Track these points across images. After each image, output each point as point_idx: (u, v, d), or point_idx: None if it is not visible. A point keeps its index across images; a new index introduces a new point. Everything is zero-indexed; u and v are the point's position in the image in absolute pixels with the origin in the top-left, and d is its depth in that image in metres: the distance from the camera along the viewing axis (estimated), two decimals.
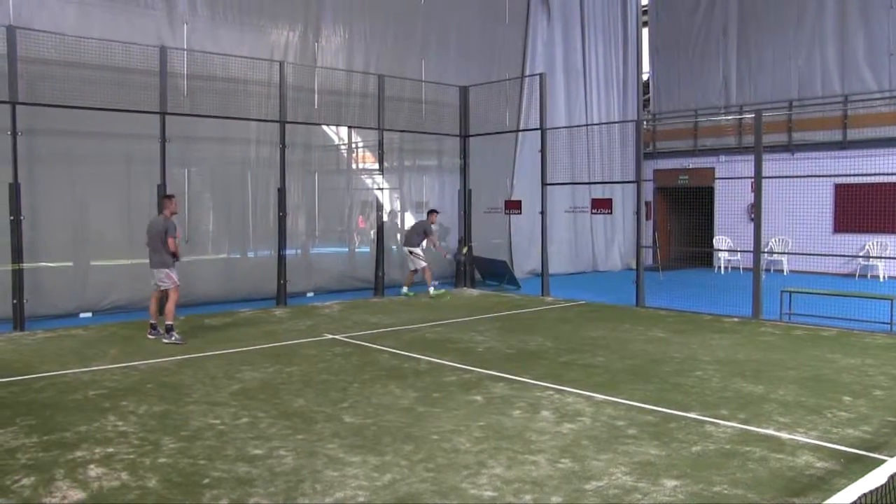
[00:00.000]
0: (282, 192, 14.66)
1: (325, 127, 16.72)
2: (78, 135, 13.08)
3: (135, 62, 13.20)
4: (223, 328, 12.11)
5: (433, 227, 16.43)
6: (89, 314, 13.15)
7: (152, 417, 6.98)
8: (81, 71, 12.70)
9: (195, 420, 6.90)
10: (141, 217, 13.41)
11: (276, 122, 14.68)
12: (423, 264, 16.10)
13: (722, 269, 22.13)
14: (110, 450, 6.07)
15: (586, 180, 19.54)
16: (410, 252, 16.21)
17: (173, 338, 10.69)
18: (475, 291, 17.28)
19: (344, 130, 17.11)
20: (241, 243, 15.53)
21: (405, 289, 16.29)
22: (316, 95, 16.24)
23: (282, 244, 14.69)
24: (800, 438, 6.42)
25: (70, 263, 13.30)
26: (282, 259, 14.69)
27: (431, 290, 16.09)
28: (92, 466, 5.70)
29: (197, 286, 14.41)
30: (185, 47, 14.19)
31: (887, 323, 11.90)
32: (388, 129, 16.78)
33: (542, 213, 16.36)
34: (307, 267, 16.32)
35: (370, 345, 10.64)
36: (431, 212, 16.59)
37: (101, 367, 9.16)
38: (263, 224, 15.47)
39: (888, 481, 2.70)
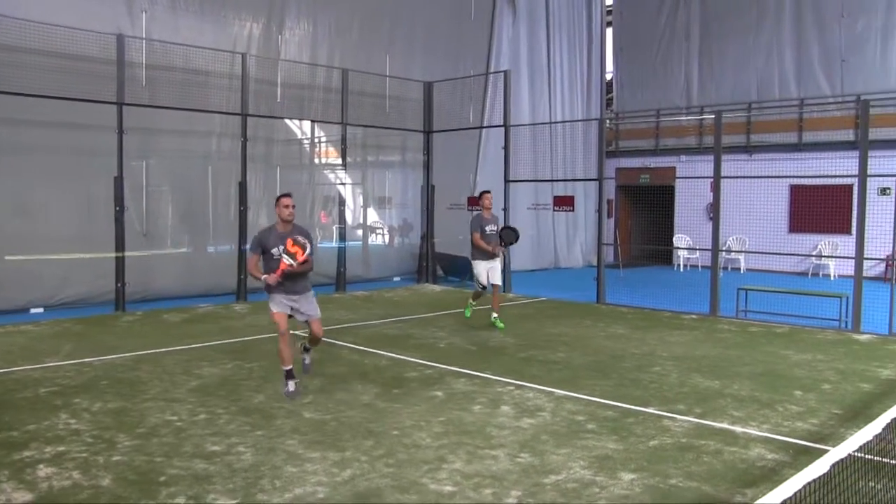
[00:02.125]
0: (243, 186, 14.55)
1: (287, 121, 16.62)
2: (31, 124, 12.81)
3: (91, 50, 12.95)
4: (182, 324, 12.00)
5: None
6: (41, 309, 12.90)
7: (107, 415, 6.90)
8: (34, 58, 12.36)
9: (152, 417, 6.83)
10: (97, 210, 13.27)
11: (238, 114, 14.56)
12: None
13: (681, 266, 22.38)
14: (61, 448, 5.97)
15: (549, 178, 19.65)
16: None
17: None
18: (437, 287, 17.30)
19: (307, 124, 17.02)
20: (201, 238, 15.36)
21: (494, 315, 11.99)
22: (279, 89, 16.13)
23: (242, 239, 14.56)
24: (752, 432, 6.55)
25: (22, 257, 13.00)
26: (242, 254, 14.56)
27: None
28: (41, 466, 5.60)
29: (155, 281, 14.27)
30: (144, 36, 14.00)
31: (837, 320, 12.17)
32: (352, 124, 16.71)
33: (505, 209, 16.42)
34: None
35: (331, 341, 10.61)
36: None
37: (54, 363, 9.02)
38: (224, 218, 15.32)
39: (830, 470, 2.78)
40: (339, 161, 16.86)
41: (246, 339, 10.73)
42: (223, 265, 15.00)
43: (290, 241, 7.66)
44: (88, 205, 13.48)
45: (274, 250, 7.63)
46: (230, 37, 15.37)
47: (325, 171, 17.65)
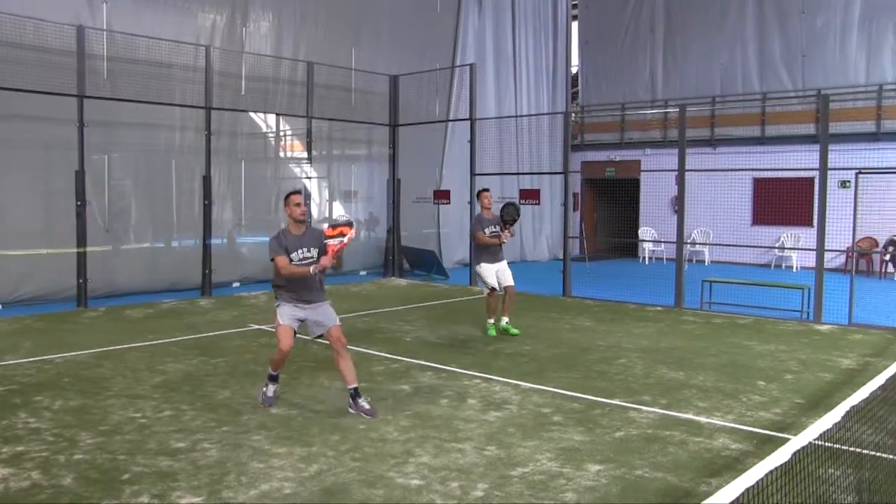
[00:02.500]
0: (207, 180, 14.41)
1: (252, 114, 16.48)
2: None
3: (50, 41, 12.74)
4: (145, 319, 11.86)
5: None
6: (0, 306, 12.70)
7: (68, 412, 6.79)
8: None
9: (115, 414, 6.75)
10: (58, 205, 13.06)
11: (202, 108, 14.40)
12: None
13: (646, 259, 22.56)
14: (20, 448, 5.85)
15: (515, 171, 19.70)
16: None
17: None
18: (403, 281, 17.28)
19: (272, 118, 16.89)
20: (164, 232, 15.19)
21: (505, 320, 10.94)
22: (243, 81, 15.99)
23: (207, 233, 14.44)
24: (717, 422, 6.62)
25: None
26: (207, 248, 14.45)
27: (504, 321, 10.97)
28: None
29: (118, 276, 14.08)
30: (105, 28, 13.79)
31: (799, 311, 12.34)
32: (317, 118, 16.63)
33: (471, 202, 16.42)
34: (233, 256, 16.08)
35: (297, 335, 10.53)
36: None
37: (13, 361, 8.86)
38: (188, 213, 15.15)
39: (791, 458, 2.81)
40: (305, 155, 16.78)
41: (211, 334, 10.64)
42: (188, 260, 14.85)
43: (327, 230, 7.01)
44: (49, 199, 13.26)
45: (294, 254, 6.95)
46: (193, 29, 15.19)
47: (291, 165, 17.55)
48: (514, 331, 10.73)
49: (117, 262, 14.16)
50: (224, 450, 5.83)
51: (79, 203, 12.75)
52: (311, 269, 6.80)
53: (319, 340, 7.27)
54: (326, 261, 6.81)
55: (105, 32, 13.71)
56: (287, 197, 7.08)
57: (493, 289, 10.74)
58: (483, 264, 10.78)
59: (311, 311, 6.98)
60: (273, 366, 7.05)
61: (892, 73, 19.71)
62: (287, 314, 6.95)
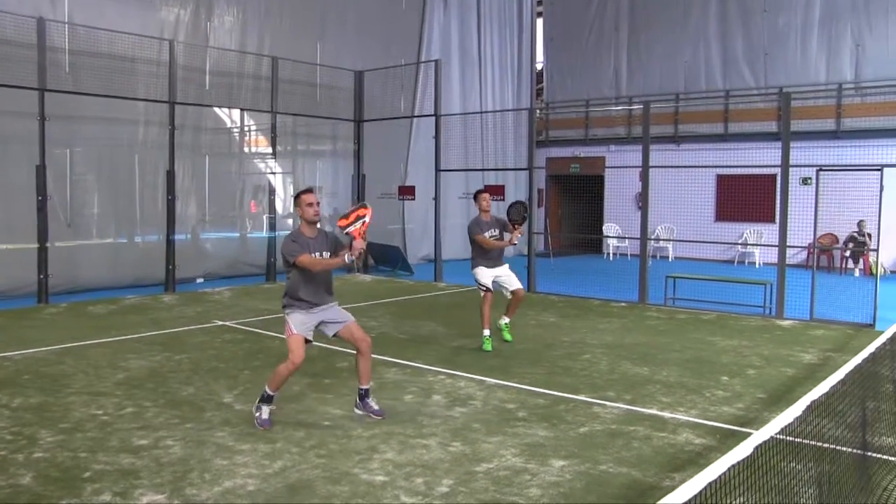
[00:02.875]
0: (171, 175, 14.26)
1: (216, 109, 16.34)
2: None
3: (9, 33, 12.52)
4: (108, 315, 11.72)
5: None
6: None
7: (28, 410, 6.69)
8: None
9: (76, 411, 6.65)
10: (19, 200, 12.85)
11: (166, 102, 14.24)
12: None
13: (610, 255, 22.72)
14: None
15: (480, 167, 19.73)
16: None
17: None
18: (368, 277, 17.23)
19: (236, 113, 16.75)
20: (127, 227, 15.02)
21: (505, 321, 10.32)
22: (207, 76, 15.84)
23: (171, 229, 14.29)
24: (681, 417, 6.68)
25: None
26: (171, 244, 14.30)
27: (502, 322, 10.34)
28: None
29: (81, 272, 13.91)
30: (67, 20, 13.57)
31: (761, 306, 12.50)
32: (282, 113, 16.51)
33: (436, 199, 16.45)
34: (197, 252, 15.95)
35: (261, 331, 10.49)
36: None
37: None
38: (151, 208, 14.99)
39: (753, 453, 2.84)
40: (269, 150, 16.65)
41: (175, 330, 10.53)
42: (151, 255, 14.71)
43: (340, 221, 6.57)
44: (8, 194, 13.04)
45: (487, 234, 7.77)
46: (157, 22, 15.02)
47: (255, 160, 17.42)
48: (509, 336, 10.06)
49: (79, 258, 13.97)
50: (187, 447, 5.77)
51: (40, 198, 12.55)
52: (346, 256, 6.41)
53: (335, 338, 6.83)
54: (359, 244, 6.44)
55: (66, 25, 13.50)
56: (298, 197, 6.53)
57: (487, 289, 9.75)
58: (480, 268, 9.84)
59: (323, 312, 6.55)
60: (275, 384, 6.32)
61: (851, 73, 20.04)
62: (300, 322, 6.40)
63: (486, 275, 9.79)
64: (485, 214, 9.86)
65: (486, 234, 9.72)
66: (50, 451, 5.66)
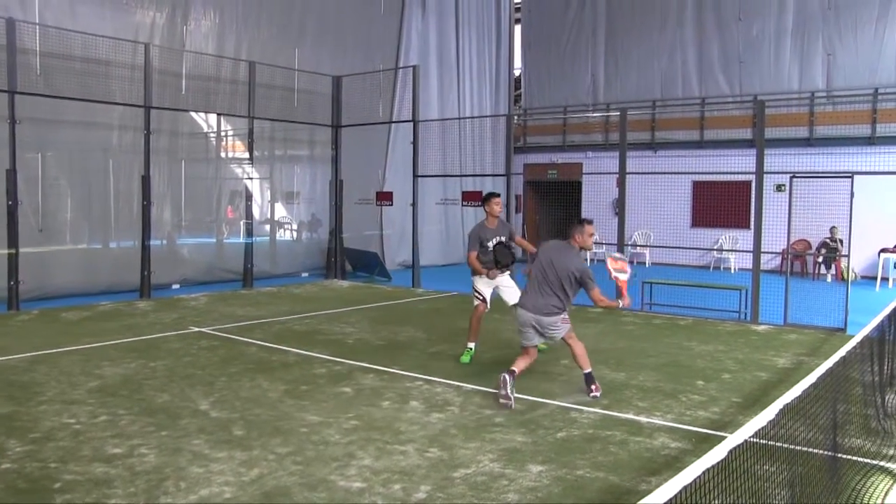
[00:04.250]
0: (146, 180, 14.15)
1: (193, 113, 16.24)
2: None
3: None
4: (81, 322, 11.60)
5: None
6: None
7: None
8: None
9: (47, 420, 6.57)
10: None
11: (141, 106, 14.13)
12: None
13: (588, 261, 22.78)
14: None
15: (458, 173, 19.76)
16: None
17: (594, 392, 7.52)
18: (345, 283, 17.19)
19: (213, 118, 16.67)
20: (102, 233, 14.88)
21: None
22: (184, 80, 15.74)
23: (146, 234, 14.17)
24: (657, 421, 6.71)
25: None
26: (146, 249, 14.19)
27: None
28: None
29: (54, 278, 13.77)
30: (38, 21, 13.43)
31: (737, 311, 12.60)
32: (259, 118, 16.45)
33: (414, 204, 16.44)
34: (173, 258, 15.83)
35: (238, 337, 10.44)
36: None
37: None
38: (127, 213, 14.87)
39: (728, 456, 2.86)
40: (246, 155, 16.59)
41: (150, 336, 10.44)
42: (126, 261, 14.57)
43: (611, 259, 7.49)
44: None
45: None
46: (132, 26, 14.90)
47: (232, 166, 17.34)
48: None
49: (52, 264, 13.82)
50: (162, 455, 5.72)
51: (10, 203, 12.41)
52: (619, 302, 7.80)
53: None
54: (626, 301, 7.75)
55: (38, 26, 13.36)
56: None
57: (482, 300, 9.25)
58: (476, 277, 9.26)
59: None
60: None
61: (822, 82, 20.26)
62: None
63: (483, 283, 9.22)
64: (491, 221, 9.29)
65: (491, 242, 9.12)
66: (19, 461, 5.57)
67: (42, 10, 13.54)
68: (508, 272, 9.44)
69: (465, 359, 9.15)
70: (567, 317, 7.50)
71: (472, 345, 9.24)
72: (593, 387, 7.52)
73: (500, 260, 9.13)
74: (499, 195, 9.38)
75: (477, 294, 9.28)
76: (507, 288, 9.40)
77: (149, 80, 14.10)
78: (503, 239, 9.23)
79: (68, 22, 13.68)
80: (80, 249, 14.57)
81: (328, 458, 5.69)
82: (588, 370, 7.53)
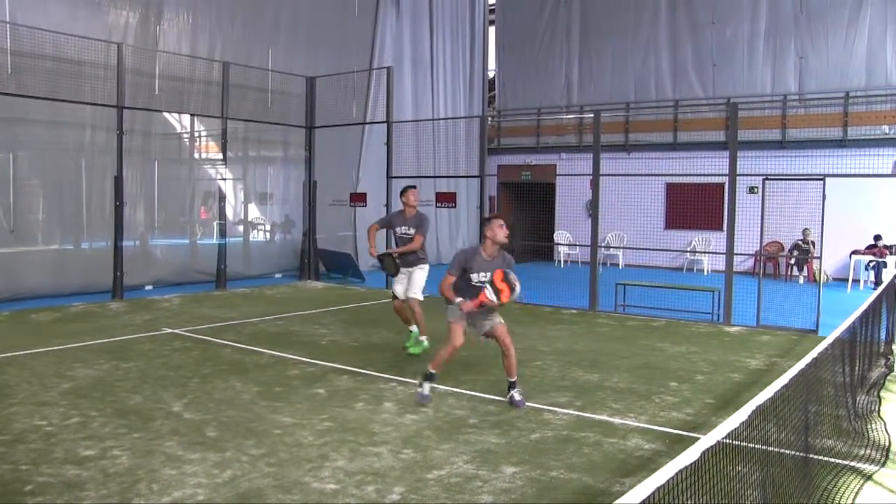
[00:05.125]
0: (118, 181, 14.02)
1: (166, 114, 16.12)
2: None
3: None
4: (53, 323, 11.48)
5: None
6: None
7: None
8: None
9: (18, 422, 6.50)
10: None
11: (113, 106, 14.01)
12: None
13: (561, 262, 22.88)
14: None
15: (431, 174, 19.76)
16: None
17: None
18: (319, 284, 17.14)
19: (186, 118, 16.55)
20: (74, 234, 14.74)
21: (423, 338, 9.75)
22: (157, 81, 15.62)
23: (118, 235, 14.05)
24: (630, 423, 6.75)
25: None
26: (118, 250, 14.06)
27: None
28: None
29: (25, 279, 13.61)
30: (8, 20, 13.28)
31: (709, 313, 12.70)
32: (233, 118, 16.37)
33: (388, 205, 16.40)
34: (146, 259, 15.70)
35: (211, 339, 10.37)
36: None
37: None
38: (99, 214, 14.73)
39: (701, 457, 2.88)
40: (220, 156, 16.49)
41: (122, 338, 10.35)
42: (98, 262, 14.43)
43: (499, 274, 7.05)
44: None
45: (475, 276, 7.21)
46: (105, 25, 14.76)
47: (205, 166, 17.24)
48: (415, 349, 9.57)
49: (23, 265, 13.66)
50: (135, 457, 5.68)
51: None
52: (458, 301, 7.15)
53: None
54: (468, 306, 7.12)
55: (8, 25, 13.20)
56: (490, 220, 7.31)
57: (395, 297, 9.74)
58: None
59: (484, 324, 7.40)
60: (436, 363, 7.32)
61: (795, 85, 20.48)
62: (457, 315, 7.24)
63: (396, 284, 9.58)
64: (409, 209, 9.64)
65: (399, 230, 9.58)
66: None
67: (13, 9, 13.38)
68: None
69: (412, 345, 9.63)
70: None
71: (423, 338, 9.61)
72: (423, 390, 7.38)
73: (388, 271, 9.71)
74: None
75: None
76: (410, 277, 9.64)
77: (121, 80, 13.99)
78: (411, 231, 9.51)
79: (41, 21, 13.52)
80: (51, 250, 14.42)
81: (302, 460, 5.67)
82: (433, 371, 7.36)
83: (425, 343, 9.60)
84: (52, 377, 8.09)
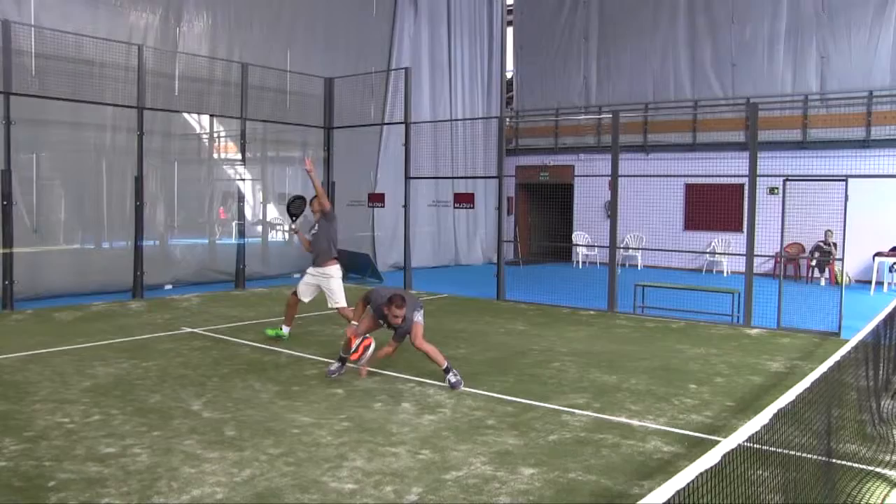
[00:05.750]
0: (139, 181, 14.12)
1: (185, 115, 16.21)
2: None
3: None
4: (74, 322, 11.57)
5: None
6: None
7: None
8: None
9: (41, 419, 6.56)
10: None
11: (134, 107, 14.11)
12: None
13: (580, 263, 22.82)
14: None
15: (449, 175, 19.76)
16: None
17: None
18: None
19: (205, 119, 16.64)
20: (95, 233, 14.86)
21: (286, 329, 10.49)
22: (176, 82, 15.71)
23: (139, 235, 14.14)
24: (649, 425, 6.72)
25: None
26: (138, 250, 14.15)
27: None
28: None
29: (47, 278, 13.73)
30: (33, 23, 13.41)
31: (729, 315, 12.61)
32: (251, 119, 16.44)
33: (406, 206, 16.43)
34: (165, 258, 15.80)
35: (230, 338, 10.42)
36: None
37: None
38: (119, 214, 14.85)
39: (721, 460, 2.87)
40: (239, 156, 16.56)
41: (142, 337, 10.42)
42: (119, 261, 14.54)
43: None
44: None
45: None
46: (126, 27, 14.88)
47: (224, 167, 17.32)
48: (272, 332, 10.45)
49: (45, 264, 13.78)
50: (155, 455, 5.71)
51: (5, 203, 12.38)
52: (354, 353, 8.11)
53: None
54: (363, 371, 8.20)
55: (33, 28, 13.33)
56: (390, 305, 7.82)
57: (294, 292, 10.38)
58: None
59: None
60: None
61: (816, 85, 20.31)
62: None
63: (305, 276, 10.32)
64: (315, 214, 10.37)
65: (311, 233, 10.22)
66: (13, 459, 5.57)
67: (37, 11, 13.52)
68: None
69: (271, 332, 10.39)
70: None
71: (285, 329, 10.38)
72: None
73: (293, 212, 10.74)
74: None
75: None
76: (327, 292, 10.14)
77: (142, 81, 14.09)
78: (315, 230, 10.29)
79: (63, 23, 13.65)
80: (73, 249, 14.54)
81: (320, 460, 5.68)
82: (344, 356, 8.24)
83: (284, 332, 10.35)
84: (73, 375, 8.16)
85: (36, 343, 9.81)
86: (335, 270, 10.18)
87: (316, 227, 10.22)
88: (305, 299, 10.25)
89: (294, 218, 10.69)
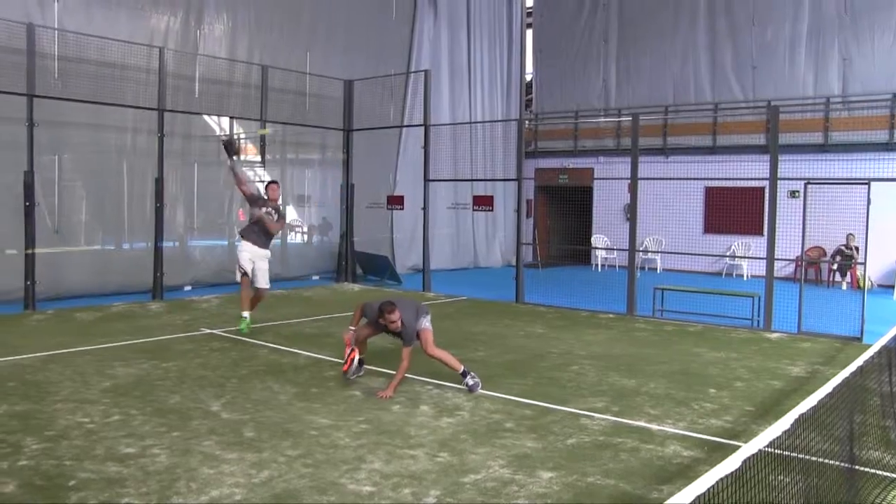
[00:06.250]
0: (159, 183, 14.20)
1: (205, 117, 16.30)
2: None
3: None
4: (95, 322, 11.65)
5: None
6: None
7: (13, 417, 6.63)
8: None
9: (62, 419, 6.61)
10: (5, 205, 12.77)
11: (155, 109, 14.19)
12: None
13: (599, 266, 22.75)
14: None
15: (468, 177, 19.75)
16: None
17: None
18: (356, 286, 17.20)
19: (225, 121, 16.72)
20: (115, 234, 14.98)
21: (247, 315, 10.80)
22: (197, 84, 15.81)
23: (159, 236, 14.22)
24: (668, 429, 6.68)
25: None
26: (158, 251, 14.23)
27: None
28: None
29: (68, 279, 13.84)
30: (56, 26, 13.54)
31: (749, 319, 12.53)
32: (271, 121, 16.50)
33: (425, 208, 16.44)
34: (185, 260, 15.89)
35: (248, 340, 10.44)
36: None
37: None
38: (140, 215, 14.95)
39: (742, 466, 2.84)
40: (258, 158, 16.63)
41: (162, 338, 10.48)
42: (139, 263, 14.65)
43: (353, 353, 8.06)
44: None
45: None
46: (147, 30, 14.99)
47: (244, 169, 17.36)
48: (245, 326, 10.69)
49: (66, 264, 13.89)
50: (174, 455, 5.74)
51: (27, 203, 12.49)
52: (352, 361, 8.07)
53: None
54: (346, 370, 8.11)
55: (56, 31, 13.46)
56: (382, 313, 7.80)
57: (244, 274, 10.67)
58: (245, 243, 10.74)
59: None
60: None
61: (838, 87, 20.16)
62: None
63: (245, 255, 10.61)
64: (272, 202, 10.98)
65: (264, 210, 10.72)
66: (35, 458, 5.61)
67: (61, 15, 13.65)
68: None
69: (243, 326, 10.61)
70: None
71: (245, 314, 10.66)
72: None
73: (229, 150, 11.32)
74: (276, 182, 11.33)
75: (240, 266, 10.65)
76: (263, 269, 10.79)
77: (163, 83, 14.17)
78: (275, 216, 10.86)
79: (85, 26, 13.77)
80: (93, 250, 14.67)
81: (338, 462, 5.69)
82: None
83: (245, 317, 10.66)
84: (93, 375, 8.21)
85: (57, 343, 9.88)
86: (268, 256, 11.00)
87: (273, 214, 10.90)
88: (249, 274, 10.71)
89: (233, 158, 11.33)
